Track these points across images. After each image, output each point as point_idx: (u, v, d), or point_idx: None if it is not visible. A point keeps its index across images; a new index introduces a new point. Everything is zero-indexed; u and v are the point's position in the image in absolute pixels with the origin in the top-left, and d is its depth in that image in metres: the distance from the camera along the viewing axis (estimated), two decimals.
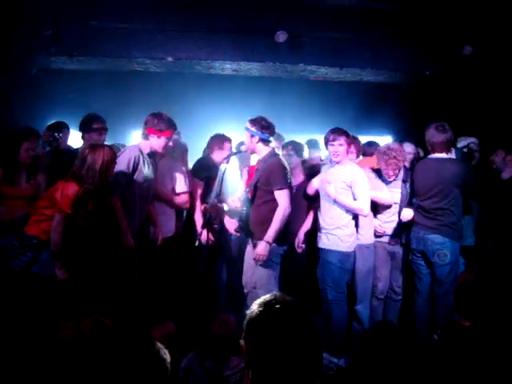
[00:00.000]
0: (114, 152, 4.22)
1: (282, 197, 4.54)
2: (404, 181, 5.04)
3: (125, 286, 4.45)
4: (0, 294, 3.93)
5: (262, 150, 4.70)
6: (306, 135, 6.25)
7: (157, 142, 4.56)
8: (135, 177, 4.50)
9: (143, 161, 4.54)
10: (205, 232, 4.59)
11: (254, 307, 1.87)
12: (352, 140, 4.95)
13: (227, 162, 4.75)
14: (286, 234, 4.71)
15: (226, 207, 5.11)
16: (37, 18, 5.50)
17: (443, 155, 4.79)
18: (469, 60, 5.96)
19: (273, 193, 4.57)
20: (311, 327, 1.84)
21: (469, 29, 5.88)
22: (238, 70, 6.16)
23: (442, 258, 4.68)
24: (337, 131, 4.71)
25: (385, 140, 6.88)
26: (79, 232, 4.14)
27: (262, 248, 4.47)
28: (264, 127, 4.63)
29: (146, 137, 4.59)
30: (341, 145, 4.68)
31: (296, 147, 5.45)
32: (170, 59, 5.81)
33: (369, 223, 4.93)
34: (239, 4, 5.69)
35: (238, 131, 5.52)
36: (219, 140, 5.37)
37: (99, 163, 4.06)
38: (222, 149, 5.29)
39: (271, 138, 4.72)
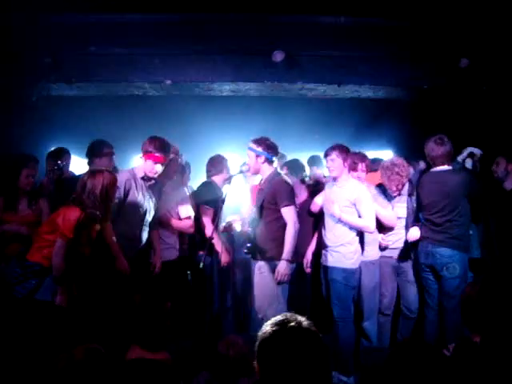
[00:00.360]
0: (114, 176, 4.20)
1: (290, 213, 4.56)
2: (410, 195, 5.02)
3: (120, 310, 4.38)
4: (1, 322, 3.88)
5: (266, 170, 4.72)
6: (308, 153, 6.26)
7: (145, 165, 4.56)
8: (128, 201, 4.48)
9: (135, 185, 4.53)
10: (225, 253, 4.85)
11: (267, 327, 1.89)
12: (361, 157, 4.98)
13: (229, 183, 4.76)
14: (295, 252, 4.70)
15: (238, 227, 5.05)
16: (36, 46, 5.55)
17: (444, 167, 4.78)
18: (466, 72, 5.97)
19: (279, 211, 4.58)
20: (324, 346, 1.84)
21: (465, 41, 5.90)
22: (237, 91, 6.18)
23: (452, 271, 4.63)
24: (330, 147, 4.73)
25: (386, 154, 6.89)
26: (82, 258, 4.11)
27: (284, 267, 4.47)
28: (269, 147, 4.67)
29: (141, 160, 4.62)
30: (332, 160, 4.69)
31: (290, 166, 5.47)
32: (168, 82, 5.83)
33: (373, 239, 4.90)
34: (236, 24, 5.73)
35: (239, 152, 5.54)
36: (215, 162, 5.38)
37: (99, 188, 4.03)
38: (220, 171, 5.30)
39: (274, 158, 4.74)
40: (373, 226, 4.66)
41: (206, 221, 5.09)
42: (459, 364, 2.42)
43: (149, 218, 4.68)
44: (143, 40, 5.73)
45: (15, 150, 5.85)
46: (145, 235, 4.69)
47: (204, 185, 5.43)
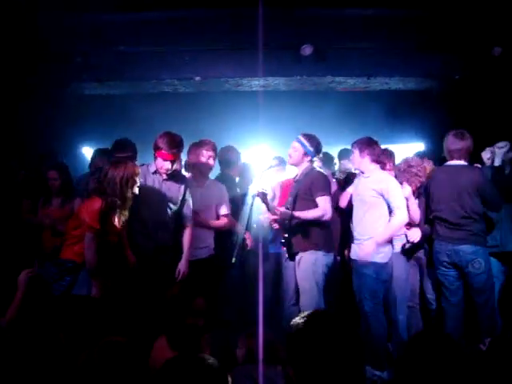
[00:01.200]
0: (136, 168, 4.23)
1: (324, 202, 4.58)
2: (420, 193, 4.98)
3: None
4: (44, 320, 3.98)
5: (303, 163, 4.76)
6: (338, 146, 6.22)
7: (156, 162, 4.47)
8: (138, 198, 4.32)
9: (145, 181, 4.43)
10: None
11: (298, 319, 1.90)
12: (388, 155, 5.00)
13: (260, 178, 4.80)
14: (331, 242, 4.74)
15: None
16: (68, 46, 5.63)
17: (460, 162, 4.71)
18: (499, 61, 5.85)
19: (314, 201, 4.60)
20: (355, 337, 1.85)
21: (497, 30, 5.78)
22: (266, 86, 6.19)
23: (477, 267, 4.58)
24: (354, 142, 4.78)
25: (416, 147, 6.81)
26: (112, 247, 4.20)
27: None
28: (316, 146, 4.73)
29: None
30: (352, 153, 4.79)
31: (321, 159, 5.48)
32: (197, 79, 5.87)
33: (402, 231, 4.88)
34: (264, 19, 5.72)
35: (270, 146, 5.56)
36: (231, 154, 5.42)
37: (119, 177, 4.07)
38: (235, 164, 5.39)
39: (315, 158, 4.84)
40: (405, 214, 4.61)
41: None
42: (496, 358, 2.40)
43: (166, 215, 4.56)
44: (172, 37, 5.76)
45: (48, 150, 6.00)
46: (164, 234, 4.56)
47: (223, 178, 5.38)
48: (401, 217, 4.58)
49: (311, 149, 4.71)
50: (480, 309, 4.63)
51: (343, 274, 5.12)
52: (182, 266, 4.60)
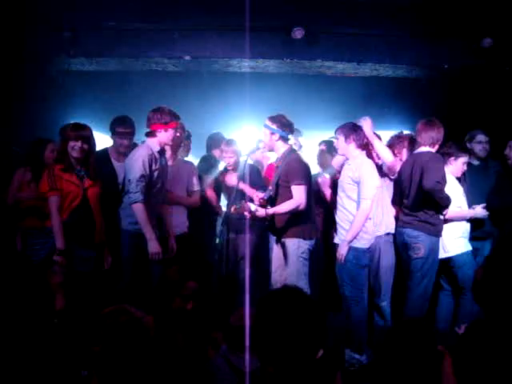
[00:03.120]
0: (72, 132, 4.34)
1: (298, 192, 4.57)
2: None
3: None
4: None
5: (281, 148, 4.74)
6: (325, 131, 6.22)
7: (165, 136, 4.47)
8: (153, 178, 4.45)
9: (154, 160, 4.45)
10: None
11: (261, 298, 2.02)
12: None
13: (246, 160, 4.80)
14: (312, 228, 4.76)
15: (252, 207, 5.03)
16: (56, 21, 5.56)
17: (426, 149, 4.80)
18: (489, 52, 5.88)
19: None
20: (322, 316, 1.91)
21: (488, 21, 5.80)
22: (256, 68, 6.15)
23: (416, 252, 4.71)
24: (337, 127, 4.80)
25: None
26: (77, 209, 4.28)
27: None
28: (284, 125, 4.67)
29: (151, 134, 4.49)
30: (337, 139, 4.78)
31: (328, 145, 5.52)
32: (187, 58, 5.83)
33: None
34: (255, 1, 5.68)
35: (256, 128, 5.55)
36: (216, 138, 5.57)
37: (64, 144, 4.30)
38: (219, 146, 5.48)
39: (290, 136, 4.75)
40: (368, 205, 4.57)
41: (212, 193, 5.22)
42: (472, 342, 2.44)
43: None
44: (163, 15, 5.70)
45: (38, 125, 5.94)
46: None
47: (208, 158, 5.62)
48: (363, 207, 4.55)
49: (274, 127, 4.68)
50: (408, 293, 4.81)
51: (327, 258, 5.17)
52: (172, 240, 4.66)
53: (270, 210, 4.58)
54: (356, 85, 6.68)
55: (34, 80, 5.93)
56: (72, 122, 4.64)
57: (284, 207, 4.60)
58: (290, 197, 4.61)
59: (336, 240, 4.77)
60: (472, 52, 5.99)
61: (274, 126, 4.67)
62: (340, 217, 4.74)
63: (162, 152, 4.56)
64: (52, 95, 6.06)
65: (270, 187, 4.73)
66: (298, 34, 5.63)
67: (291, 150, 4.76)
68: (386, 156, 4.90)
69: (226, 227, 4.78)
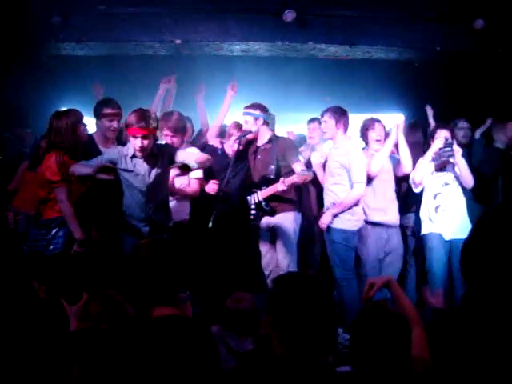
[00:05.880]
0: (78, 113, 4.30)
1: (299, 167, 4.70)
2: None
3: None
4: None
5: (265, 132, 4.87)
6: (316, 113, 6.22)
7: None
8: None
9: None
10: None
11: (279, 278, 2.11)
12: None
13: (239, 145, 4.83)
14: (304, 203, 5.01)
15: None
16: (46, 5, 5.50)
17: None
18: (481, 34, 5.86)
19: (289, 167, 4.75)
20: (331, 297, 2.02)
21: (480, 2, 5.77)
22: (247, 51, 6.12)
23: None
24: (326, 109, 4.85)
25: (396, 117, 6.83)
26: (87, 194, 4.25)
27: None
28: (265, 109, 4.80)
29: None
30: (325, 121, 4.86)
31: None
32: (178, 42, 5.79)
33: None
34: None
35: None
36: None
37: (64, 125, 4.15)
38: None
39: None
40: (362, 189, 4.72)
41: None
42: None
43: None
44: None
45: (28, 110, 5.92)
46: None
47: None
48: (357, 191, 4.64)
49: (258, 112, 4.85)
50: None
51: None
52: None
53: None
54: (349, 67, 6.67)
55: (24, 66, 5.91)
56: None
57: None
58: (286, 173, 4.76)
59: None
60: (464, 34, 5.96)
61: (258, 111, 4.80)
62: (328, 200, 4.80)
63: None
64: (43, 80, 6.04)
65: (272, 166, 4.75)
66: (289, 16, 5.59)
67: (275, 135, 4.88)
68: (408, 163, 4.90)
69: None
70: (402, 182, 5.29)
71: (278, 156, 4.77)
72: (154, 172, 4.29)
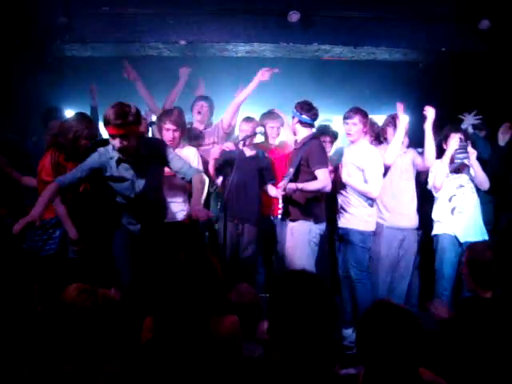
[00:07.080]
0: (89, 121, 4.31)
1: (323, 174, 4.60)
2: None
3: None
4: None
5: (301, 132, 4.79)
6: (322, 115, 6.21)
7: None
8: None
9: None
10: None
11: (275, 279, 2.02)
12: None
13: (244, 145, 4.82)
14: (323, 212, 4.78)
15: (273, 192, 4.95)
16: (50, 6, 5.51)
17: None
18: (485, 34, 5.83)
19: (312, 173, 4.62)
20: (332, 301, 1.92)
21: (486, 2, 5.75)
22: (252, 52, 6.12)
23: None
24: (353, 110, 4.73)
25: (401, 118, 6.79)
26: (79, 198, 4.25)
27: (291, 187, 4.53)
28: (304, 109, 4.75)
29: None
30: (354, 124, 4.73)
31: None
32: (182, 42, 5.79)
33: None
34: None
35: (254, 113, 5.53)
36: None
37: (74, 129, 4.19)
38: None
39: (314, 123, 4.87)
40: (376, 192, 4.67)
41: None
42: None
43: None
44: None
45: (31, 112, 5.92)
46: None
47: None
48: (372, 192, 4.65)
49: (294, 110, 4.80)
50: None
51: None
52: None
53: (300, 185, 4.57)
54: (354, 68, 6.66)
55: (29, 67, 5.91)
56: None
57: (312, 185, 4.59)
58: (309, 179, 4.64)
59: (340, 224, 4.81)
60: (470, 34, 5.94)
61: (294, 110, 4.80)
62: (343, 200, 4.80)
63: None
64: (48, 82, 6.04)
65: (291, 169, 4.73)
66: (294, 17, 5.59)
67: (312, 136, 4.77)
68: (431, 157, 4.90)
69: (224, 213, 4.70)
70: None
71: (302, 158, 4.72)
72: (143, 178, 3.93)
